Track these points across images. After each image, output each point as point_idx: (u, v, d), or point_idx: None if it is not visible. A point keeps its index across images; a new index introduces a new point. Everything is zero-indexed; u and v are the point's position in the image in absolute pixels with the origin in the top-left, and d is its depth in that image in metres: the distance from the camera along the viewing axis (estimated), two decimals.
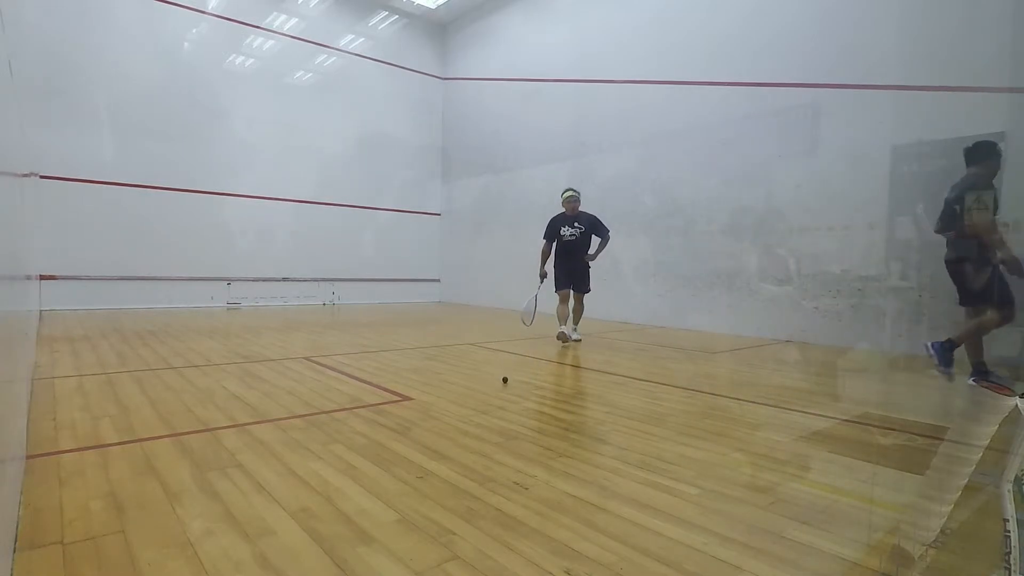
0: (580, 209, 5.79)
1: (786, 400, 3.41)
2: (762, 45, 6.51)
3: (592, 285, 5.87)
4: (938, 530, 1.29)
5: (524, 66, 9.94)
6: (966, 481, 1.20)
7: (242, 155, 9.52)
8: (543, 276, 5.77)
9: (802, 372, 4.74)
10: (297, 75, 10.36)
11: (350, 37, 10.84)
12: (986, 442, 1.15)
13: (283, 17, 9.94)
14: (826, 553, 1.54)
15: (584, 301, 5.96)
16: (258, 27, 9.66)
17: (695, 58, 7.25)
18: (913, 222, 5.01)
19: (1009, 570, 1.09)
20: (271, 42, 9.89)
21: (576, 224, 5.73)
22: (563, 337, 5.64)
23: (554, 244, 5.85)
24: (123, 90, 8.36)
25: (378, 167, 11.37)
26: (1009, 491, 1.09)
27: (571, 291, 5.80)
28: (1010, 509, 1.09)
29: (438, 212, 12.21)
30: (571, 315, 5.82)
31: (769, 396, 3.51)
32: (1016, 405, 1.08)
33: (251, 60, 9.80)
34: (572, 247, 5.76)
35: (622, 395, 3.46)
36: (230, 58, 9.60)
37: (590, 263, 5.81)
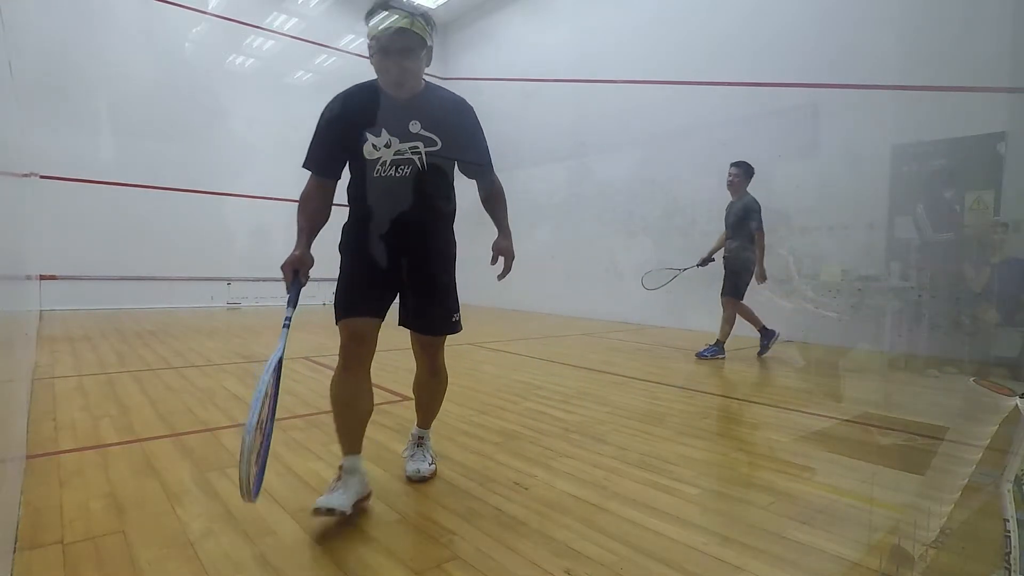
0: (437, 86, 2.10)
1: (786, 400, 3.41)
2: (762, 45, 6.51)
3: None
4: (938, 530, 1.29)
5: (524, 66, 9.93)
6: (966, 481, 1.20)
7: (242, 155, 9.51)
8: (297, 283, 1.99)
9: (802, 372, 4.73)
10: (297, 75, 10.36)
11: (350, 37, 10.83)
12: (986, 442, 1.15)
13: (283, 17, 9.94)
14: (826, 553, 1.54)
15: (443, 354, 2.15)
16: (258, 27, 9.65)
17: (695, 58, 7.24)
18: (913, 222, 5.02)
19: (1009, 570, 1.09)
20: (271, 42, 9.89)
21: (416, 125, 1.88)
22: (330, 508, 1.60)
23: (354, 186, 1.97)
24: (123, 90, 8.35)
25: None
26: (1009, 491, 1.09)
27: (380, 329, 2.13)
28: (1010, 509, 1.09)
29: None
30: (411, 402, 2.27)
31: (769, 396, 3.51)
32: (1016, 405, 1.08)
33: (251, 60, 9.80)
34: (397, 190, 1.91)
35: (622, 395, 3.46)
36: (230, 58, 9.60)
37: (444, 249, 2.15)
